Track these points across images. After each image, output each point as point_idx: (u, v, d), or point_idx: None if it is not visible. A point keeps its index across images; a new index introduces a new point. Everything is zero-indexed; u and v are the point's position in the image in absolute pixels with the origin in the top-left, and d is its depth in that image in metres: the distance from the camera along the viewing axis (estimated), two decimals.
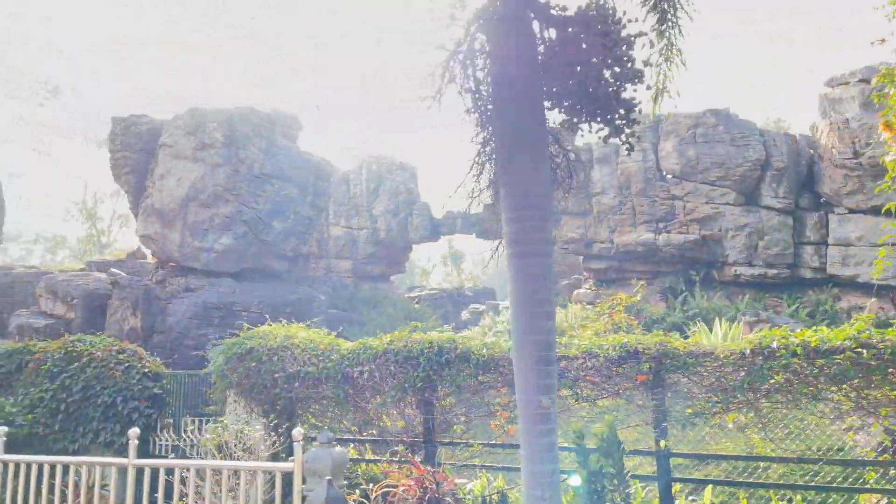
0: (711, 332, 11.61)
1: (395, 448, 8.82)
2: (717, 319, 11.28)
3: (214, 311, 18.64)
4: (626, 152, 5.65)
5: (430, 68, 5.61)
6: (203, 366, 15.74)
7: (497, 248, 5.85)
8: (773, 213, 20.67)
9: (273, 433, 7.94)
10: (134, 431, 6.00)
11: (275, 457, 7.60)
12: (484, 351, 8.39)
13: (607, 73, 5.28)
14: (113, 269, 21.19)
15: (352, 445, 9.12)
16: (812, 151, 21.29)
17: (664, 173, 22.40)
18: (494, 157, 5.40)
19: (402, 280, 43.75)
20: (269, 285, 20.58)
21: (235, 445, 7.20)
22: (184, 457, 9.73)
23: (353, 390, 9.01)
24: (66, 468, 6.73)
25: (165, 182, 20.83)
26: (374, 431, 9.18)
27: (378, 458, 8.83)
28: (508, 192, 5.16)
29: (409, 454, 8.84)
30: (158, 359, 12.21)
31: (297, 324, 10.54)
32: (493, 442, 8.38)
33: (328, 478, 5.06)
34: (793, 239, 20.62)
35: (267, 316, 11.45)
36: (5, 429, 7.19)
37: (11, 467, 6.87)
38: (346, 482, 5.63)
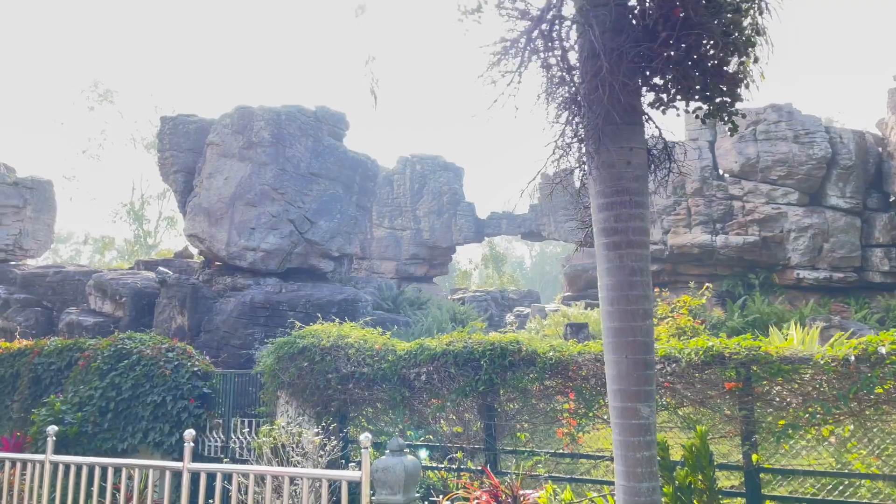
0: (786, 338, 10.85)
1: (454, 455, 8.36)
2: (794, 324, 10.54)
3: (261, 311, 18.44)
4: (729, 132, 5.07)
5: (501, 45, 5.14)
6: (250, 366, 15.54)
7: (584, 239, 5.34)
8: (839, 213, 19.63)
9: (333, 437, 7.52)
10: (189, 433, 5.65)
11: (333, 463, 7.18)
12: (551, 353, 7.87)
13: (710, 44, 4.71)
14: (161, 268, 21.21)
15: (407, 451, 8.69)
16: (880, 149, 20.18)
17: (721, 172, 21.51)
18: (583, 137, 4.87)
19: (442, 282, 43.36)
20: (314, 285, 20.32)
21: (293, 450, 6.80)
22: (234, 458, 9.42)
23: (410, 393, 8.60)
24: (117, 470, 6.42)
25: (213, 181, 20.76)
26: (431, 437, 8.73)
27: (437, 465, 8.36)
28: (600, 176, 4.65)
29: (468, 461, 8.38)
30: (207, 357, 11.98)
31: (350, 323, 10.21)
32: (561, 451, 7.84)
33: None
34: (860, 241, 19.54)
35: (318, 315, 11.13)
36: (55, 428, 6.94)
37: (61, 468, 6.59)
38: (417, 494, 5.18)
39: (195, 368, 10.81)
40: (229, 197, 20.40)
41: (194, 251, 23.54)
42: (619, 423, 4.42)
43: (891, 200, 19.75)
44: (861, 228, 19.58)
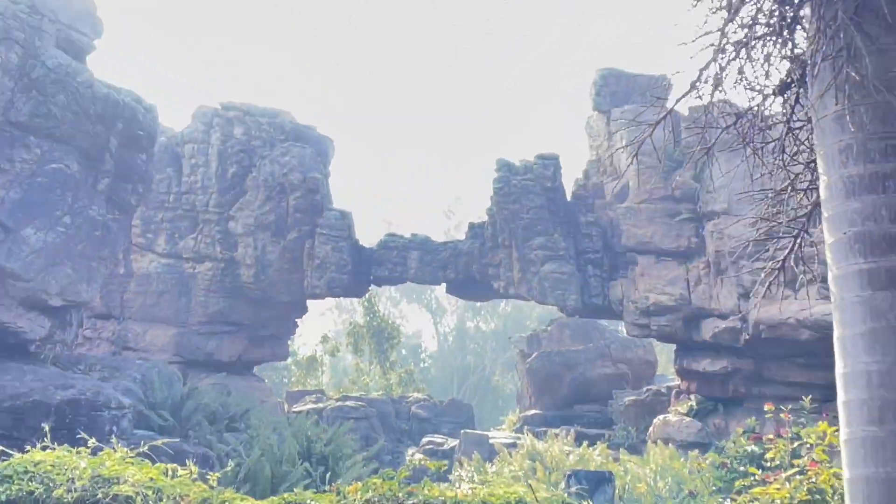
0: None
1: None
2: None
3: None
4: None
5: None
6: None
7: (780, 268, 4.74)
8: None
9: None
10: None
11: None
12: None
13: None
14: None
15: None
16: None
17: None
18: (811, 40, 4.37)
19: (271, 376, 42.63)
20: (8, 368, 19.25)
21: None
22: None
23: None
24: None
25: None
26: None
27: None
28: (861, 114, 4.13)
29: None
30: None
31: (122, 450, 9.47)
32: None
33: None
34: None
35: (44, 428, 10.22)
36: None
37: None
38: None
39: None
40: None
41: None
42: None
43: None
44: None
